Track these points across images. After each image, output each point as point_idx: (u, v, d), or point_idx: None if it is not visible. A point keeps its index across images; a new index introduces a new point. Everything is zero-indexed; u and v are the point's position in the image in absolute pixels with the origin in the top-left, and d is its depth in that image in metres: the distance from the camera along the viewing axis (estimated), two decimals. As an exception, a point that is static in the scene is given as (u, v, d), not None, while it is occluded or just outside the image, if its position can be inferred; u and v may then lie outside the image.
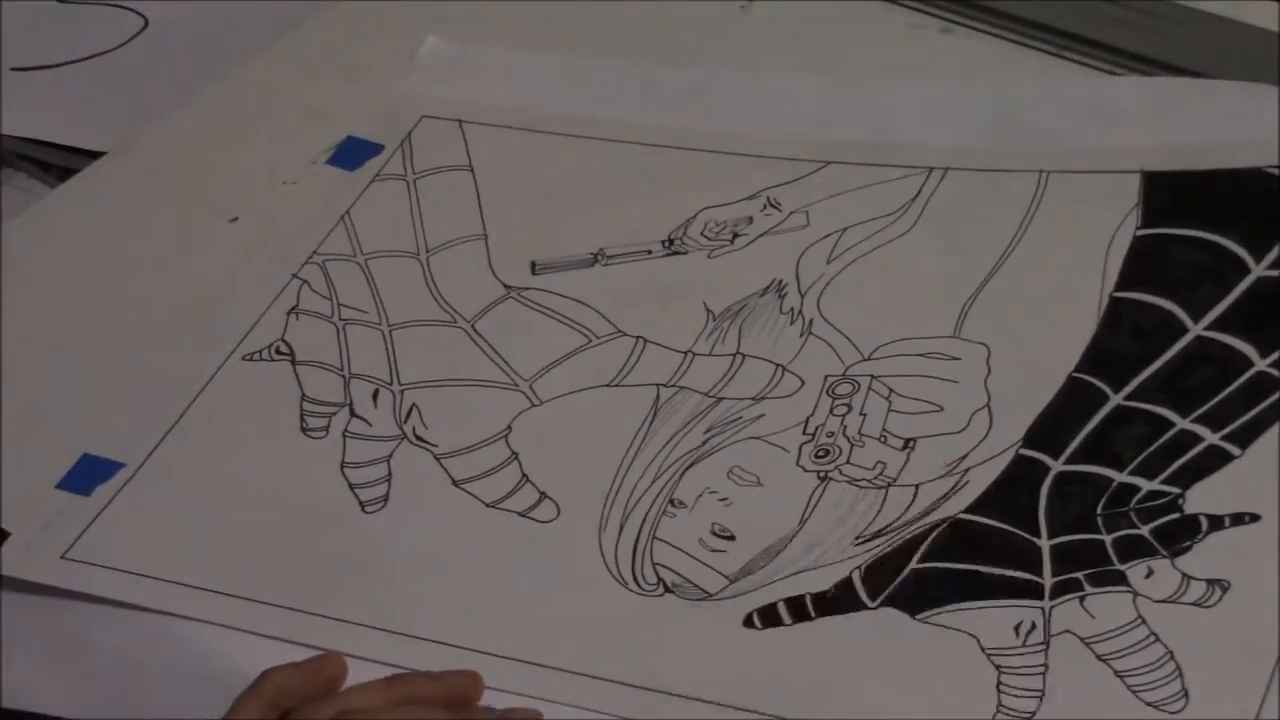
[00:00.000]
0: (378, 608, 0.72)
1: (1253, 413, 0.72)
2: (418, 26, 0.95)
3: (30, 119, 0.93)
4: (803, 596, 0.70)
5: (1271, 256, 0.76)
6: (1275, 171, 0.79)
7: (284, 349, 0.82)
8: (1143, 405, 0.73)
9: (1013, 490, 0.72)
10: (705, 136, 0.88)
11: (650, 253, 0.84)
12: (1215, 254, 0.77)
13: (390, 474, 0.77)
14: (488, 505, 0.75)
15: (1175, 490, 0.70)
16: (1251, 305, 0.75)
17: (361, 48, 0.95)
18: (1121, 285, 0.77)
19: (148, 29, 0.98)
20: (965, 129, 0.85)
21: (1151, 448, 0.71)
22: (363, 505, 0.76)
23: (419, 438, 0.78)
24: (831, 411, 0.76)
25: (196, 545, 0.75)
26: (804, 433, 0.75)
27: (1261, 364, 0.73)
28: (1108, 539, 0.69)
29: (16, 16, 0.99)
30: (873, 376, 0.77)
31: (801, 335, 0.79)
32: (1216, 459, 0.71)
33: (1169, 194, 0.80)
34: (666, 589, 0.71)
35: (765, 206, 0.84)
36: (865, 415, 0.75)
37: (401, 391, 0.80)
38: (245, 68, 0.94)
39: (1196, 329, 0.75)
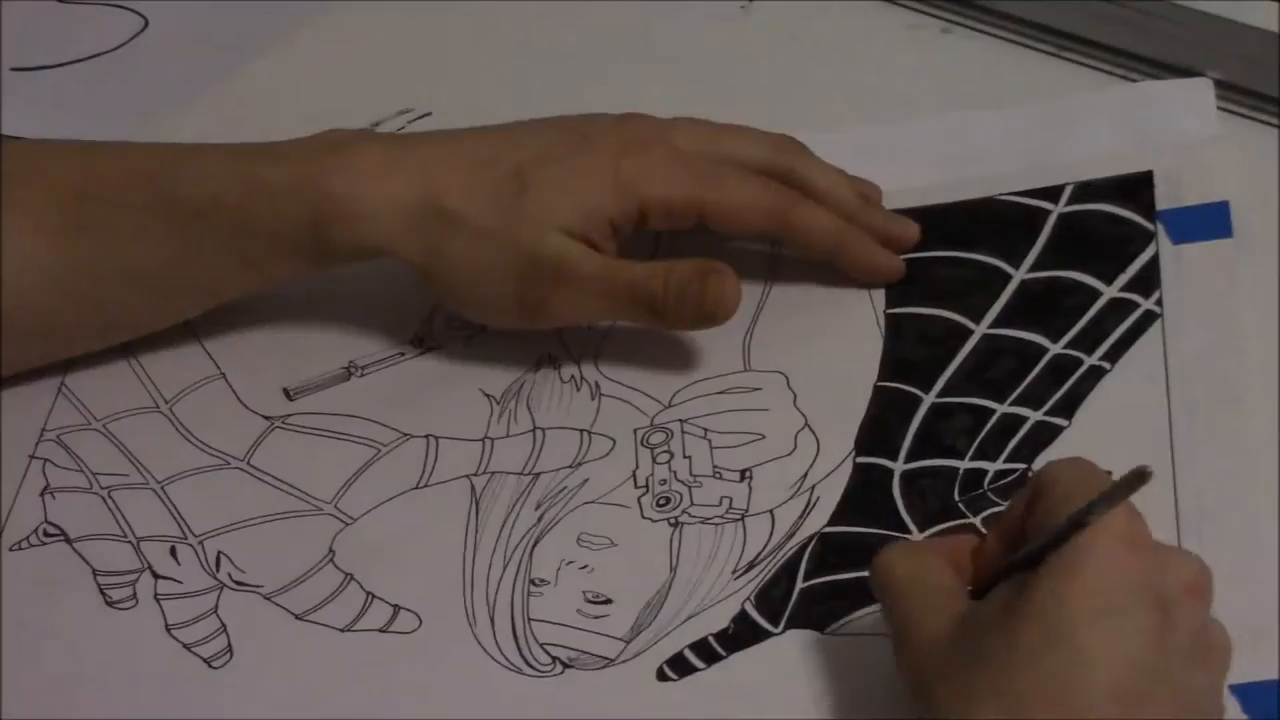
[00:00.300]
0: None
1: (1064, 388, 0.74)
2: (419, 27, 0.94)
3: (30, 119, 0.91)
4: (705, 639, 0.69)
5: (1028, 262, 0.78)
6: (1008, 198, 0.80)
7: (53, 530, 0.77)
8: (957, 399, 0.74)
9: (865, 496, 0.72)
10: None
11: (403, 355, 0.81)
12: (974, 268, 0.79)
13: (224, 625, 0.73)
14: (342, 630, 0.72)
15: (1021, 465, 0.72)
16: (1026, 303, 0.77)
17: (361, 48, 0.93)
18: (891, 304, 0.79)
19: (148, 29, 0.96)
20: None
21: (982, 434, 0.73)
22: (208, 662, 0.72)
23: (239, 582, 0.74)
24: (655, 461, 0.75)
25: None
26: (636, 486, 0.74)
27: (1055, 348, 0.75)
28: (977, 520, 0.70)
29: (16, 16, 0.96)
30: (681, 421, 0.76)
31: (593, 398, 0.77)
32: (1048, 433, 0.73)
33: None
34: (564, 665, 0.69)
35: None
36: (690, 457, 0.74)
37: (200, 542, 0.76)
38: (246, 68, 0.93)
39: (980, 328, 0.77)
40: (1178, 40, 0.86)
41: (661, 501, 0.73)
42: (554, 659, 0.70)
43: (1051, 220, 0.79)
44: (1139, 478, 0.57)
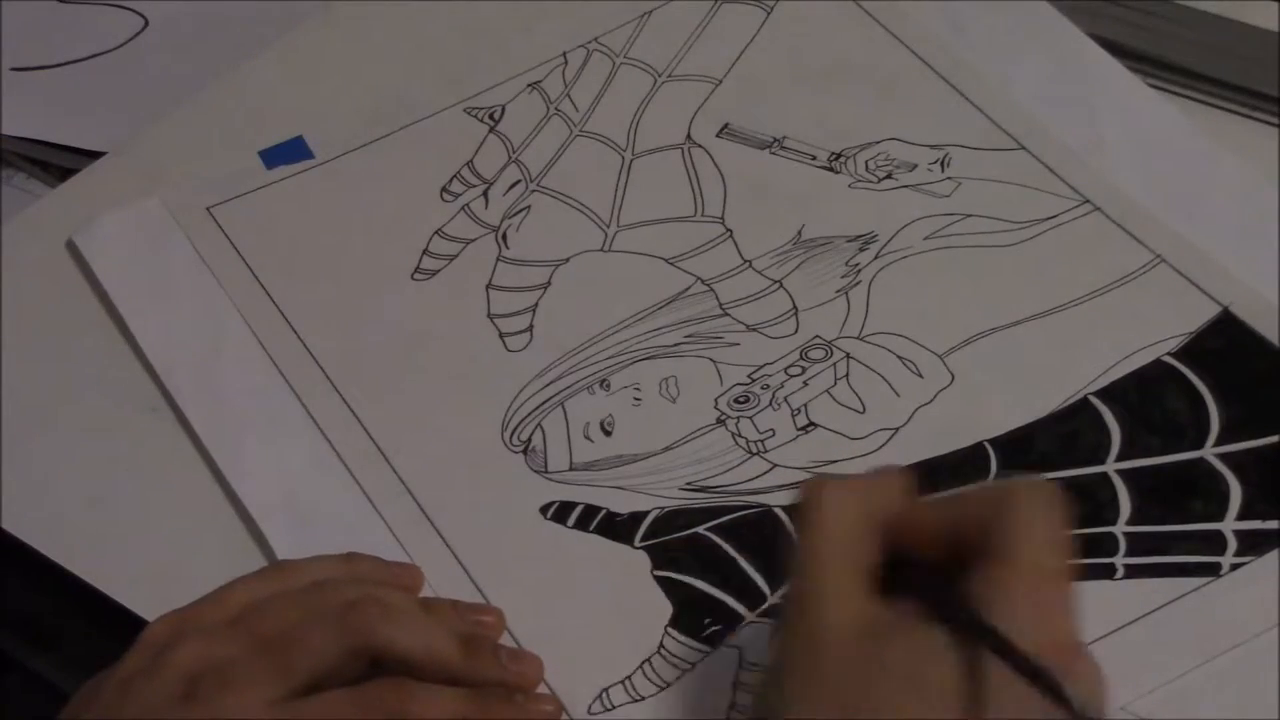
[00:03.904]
0: (347, 366, 0.78)
1: None
2: (419, 25, 0.95)
3: (30, 119, 0.92)
4: (600, 511, 0.73)
5: (1230, 447, 0.73)
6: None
7: (497, 115, 0.88)
8: None
9: None
10: (958, 67, 0.89)
11: (814, 159, 0.86)
12: (1193, 417, 0.74)
13: (457, 255, 0.83)
14: (488, 315, 0.80)
15: None
16: (1169, 477, 0.72)
17: (361, 48, 0.94)
18: (1102, 393, 0.75)
19: (148, 29, 0.97)
20: (1144, 172, 0.83)
21: None
22: (415, 270, 0.82)
23: (504, 236, 0.83)
24: (786, 369, 0.77)
25: (295, 257, 0.83)
26: (749, 375, 0.77)
27: (1117, 527, 0.71)
28: None
29: (16, 16, 0.98)
30: (848, 355, 0.77)
31: (839, 292, 0.80)
32: None
33: (1221, 341, 0.76)
34: (525, 450, 0.75)
35: (936, 162, 0.85)
36: (806, 385, 0.76)
37: (531, 191, 0.85)
38: (245, 68, 0.93)
39: (1109, 466, 0.73)
40: (1178, 40, 0.87)
41: (740, 399, 0.76)
42: (526, 440, 0.75)
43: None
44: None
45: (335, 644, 0.63)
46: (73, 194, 0.89)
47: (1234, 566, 0.69)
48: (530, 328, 0.80)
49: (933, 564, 0.56)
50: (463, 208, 0.86)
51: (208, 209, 0.86)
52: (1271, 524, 0.70)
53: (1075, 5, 0.89)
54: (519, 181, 0.86)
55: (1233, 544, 0.69)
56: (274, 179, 0.88)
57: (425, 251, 0.84)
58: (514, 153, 0.88)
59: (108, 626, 0.72)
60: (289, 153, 0.89)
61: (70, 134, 0.91)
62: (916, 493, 0.59)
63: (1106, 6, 0.89)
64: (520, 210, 0.85)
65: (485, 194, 0.86)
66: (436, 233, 0.85)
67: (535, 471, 0.75)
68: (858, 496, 0.58)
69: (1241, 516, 0.70)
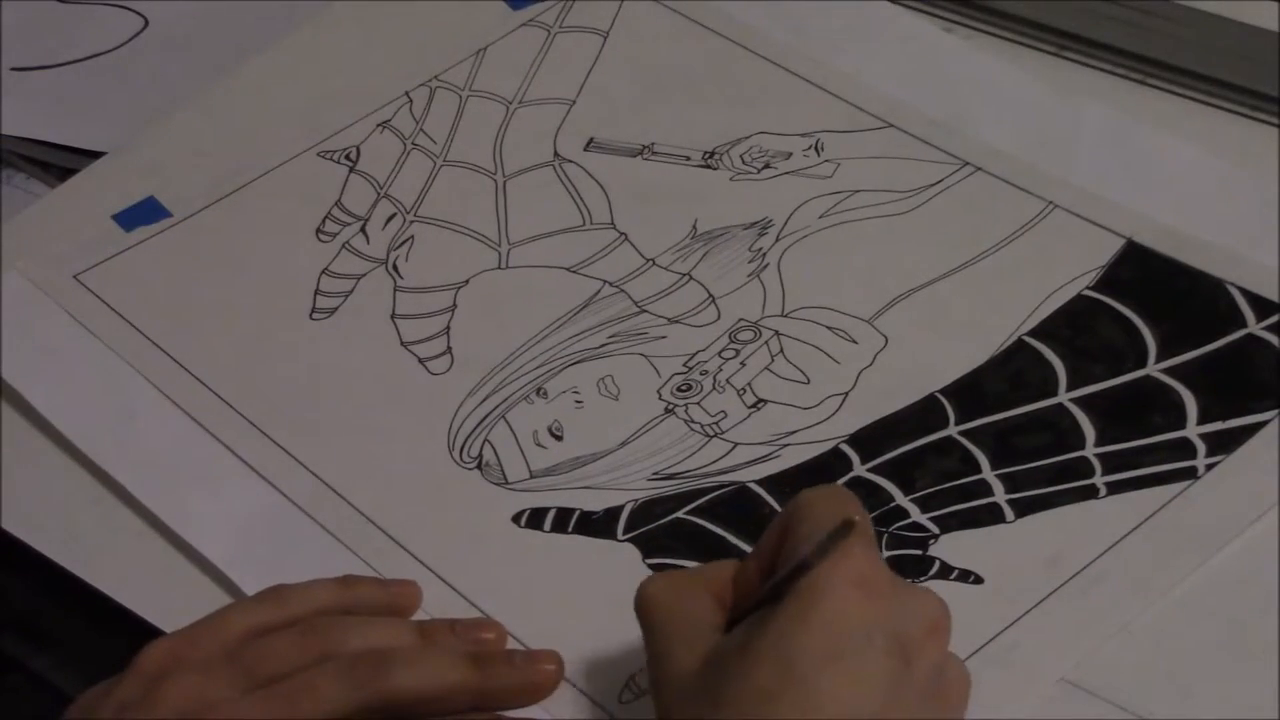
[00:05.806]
0: (271, 410, 0.77)
1: (1048, 489, 0.72)
2: (419, 25, 0.95)
3: (30, 119, 0.92)
4: (574, 511, 0.72)
5: (1172, 362, 0.75)
6: (1233, 290, 0.77)
7: (353, 155, 0.87)
8: (968, 444, 0.73)
9: (808, 478, 0.72)
10: (808, 63, 0.90)
11: (688, 159, 0.86)
12: (1129, 341, 0.76)
13: (352, 291, 0.82)
14: (402, 344, 0.79)
15: (934, 530, 0.71)
16: (1121, 398, 0.74)
17: (360, 47, 0.93)
18: (1035, 332, 0.77)
19: (148, 29, 0.97)
20: (1015, 131, 0.85)
21: (946, 485, 0.72)
22: (312, 310, 0.81)
23: (395, 267, 0.82)
24: (720, 353, 0.77)
25: (183, 312, 0.81)
26: (684, 365, 0.77)
27: (1087, 450, 0.73)
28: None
29: (16, 16, 0.98)
30: (777, 333, 0.78)
31: (750, 276, 0.81)
32: (988, 516, 0.71)
33: (1134, 269, 0.79)
34: (479, 465, 0.74)
35: (810, 148, 0.86)
36: (744, 365, 0.77)
37: (410, 222, 0.84)
38: (245, 68, 0.93)
39: (1062, 397, 0.74)
40: (1178, 40, 0.87)
41: (682, 387, 0.76)
42: (478, 456, 0.75)
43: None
44: (846, 526, 0.58)
45: (347, 696, 0.62)
46: (73, 194, 0.88)
47: (1209, 467, 0.71)
48: (449, 350, 0.79)
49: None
50: (344, 245, 0.84)
51: (75, 277, 0.83)
52: (1234, 422, 0.73)
53: (1075, 6, 0.89)
54: (395, 215, 0.86)
55: (1201, 447, 0.72)
56: (136, 240, 0.85)
57: (317, 291, 0.83)
58: (381, 189, 0.87)
59: (108, 626, 0.71)
60: (145, 213, 0.87)
61: (70, 134, 0.91)
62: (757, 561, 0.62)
63: (1106, 6, 0.89)
64: (404, 241, 0.84)
65: (363, 230, 0.85)
66: (324, 272, 0.83)
67: (495, 484, 0.74)
68: (677, 577, 0.64)
69: (1202, 421, 0.73)
